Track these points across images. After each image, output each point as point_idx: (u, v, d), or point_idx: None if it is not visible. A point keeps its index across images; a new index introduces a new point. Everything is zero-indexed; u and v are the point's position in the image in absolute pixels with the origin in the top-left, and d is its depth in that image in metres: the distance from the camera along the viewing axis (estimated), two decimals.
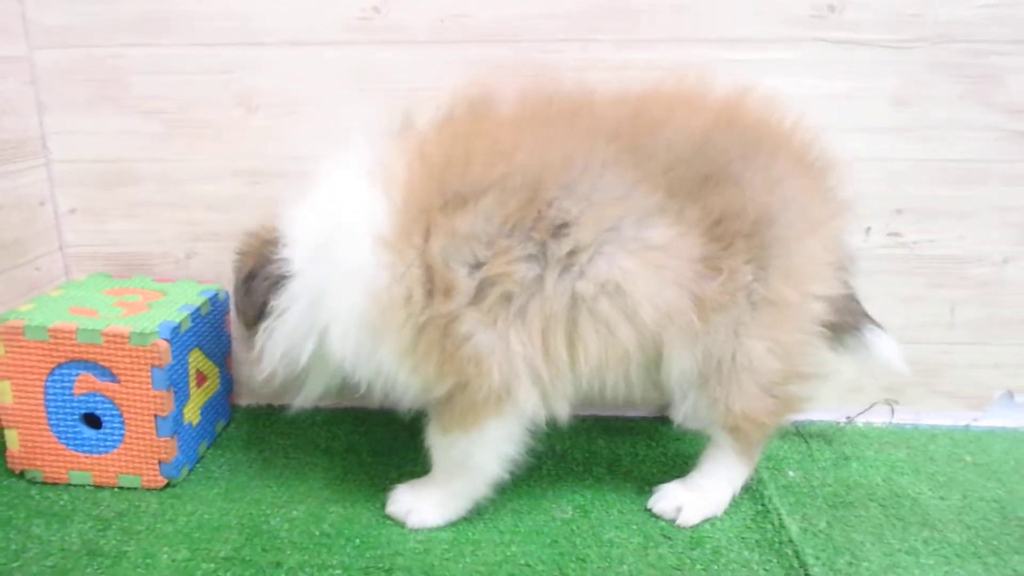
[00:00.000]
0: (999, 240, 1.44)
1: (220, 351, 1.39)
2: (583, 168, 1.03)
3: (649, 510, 1.20)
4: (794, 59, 1.34)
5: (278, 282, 1.08)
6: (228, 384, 1.44)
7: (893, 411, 1.52)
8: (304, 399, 1.19)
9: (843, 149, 1.18)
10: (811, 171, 1.12)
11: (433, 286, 1.01)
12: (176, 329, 1.20)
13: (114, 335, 1.17)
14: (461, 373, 1.03)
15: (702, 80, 1.16)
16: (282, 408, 1.53)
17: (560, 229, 1.02)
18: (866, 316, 1.25)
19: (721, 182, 1.06)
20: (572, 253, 1.02)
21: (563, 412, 1.11)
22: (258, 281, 1.10)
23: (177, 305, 1.27)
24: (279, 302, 1.08)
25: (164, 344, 1.18)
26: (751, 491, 1.25)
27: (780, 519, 1.18)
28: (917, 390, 1.51)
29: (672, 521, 1.18)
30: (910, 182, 1.40)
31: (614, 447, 1.40)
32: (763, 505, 1.22)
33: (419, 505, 1.16)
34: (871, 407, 1.51)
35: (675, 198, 1.04)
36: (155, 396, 1.19)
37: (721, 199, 1.05)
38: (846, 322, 1.20)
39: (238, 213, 1.42)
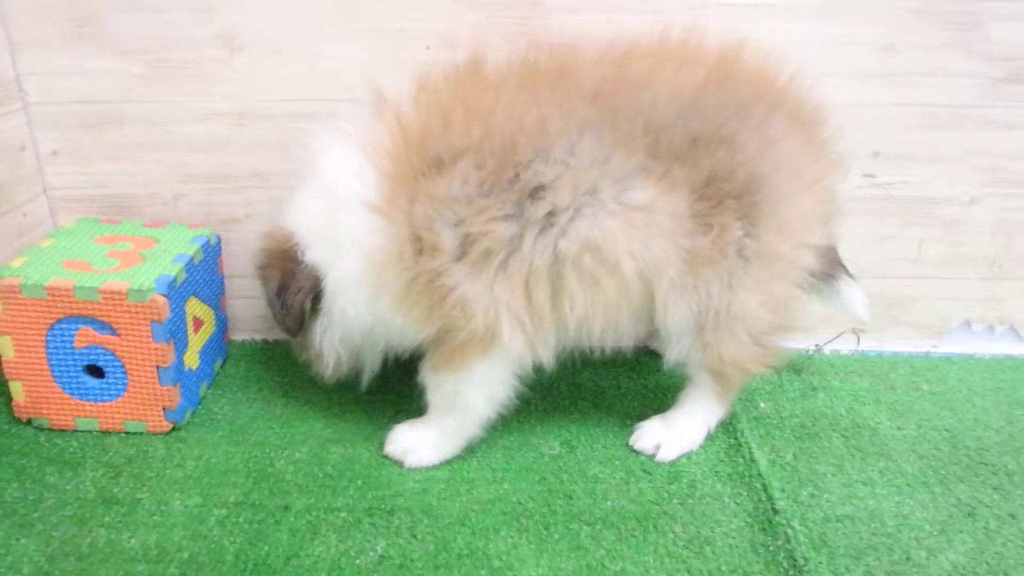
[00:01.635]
0: (969, 182, 1.49)
1: (215, 294, 1.42)
2: (560, 131, 1.05)
3: (631, 446, 1.29)
4: (783, 4, 1.34)
5: (314, 286, 1.14)
6: (223, 323, 1.48)
7: (859, 339, 1.61)
8: (368, 375, 1.30)
9: (828, 93, 1.20)
10: (806, 128, 1.14)
11: (421, 245, 1.06)
12: (172, 283, 1.23)
13: (112, 292, 1.19)
14: (447, 318, 1.09)
15: (692, 32, 1.16)
16: (276, 343, 1.58)
17: (536, 192, 1.05)
18: (841, 265, 1.31)
19: (712, 144, 1.08)
20: (550, 215, 1.06)
21: (547, 358, 1.17)
22: (291, 294, 1.16)
23: (171, 255, 1.29)
24: (322, 303, 1.15)
25: (162, 299, 1.20)
26: (725, 425, 1.34)
27: (751, 452, 1.28)
28: (882, 320, 1.60)
29: (652, 457, 1.27)
30: (889, 126, 1.43)
31: (598, 380, 1.48)
32: (735, 439, 1.32)
33: (416, 445, 1.24)
34: (838, 336, 1.60)
35: (659, 159, 1.07)
36: (156, 348, 1.22)
37: (711, 161, 1.08)
38: (823, 270, 1.26)
39: (224, 155, 1.42)
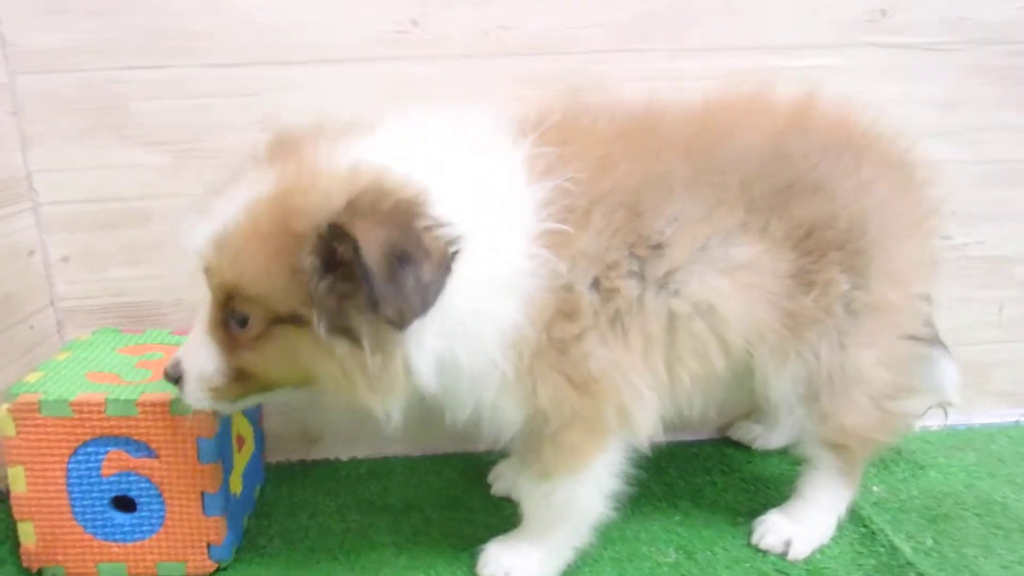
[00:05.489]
0: None
1: (255, 407, 1.24)
2: (669, 188, 0.97)
3: (753, 545, 1.13)
4: (846, 64, 1.32)
5: (448, 263, 0.81)
6: (262, 442, 1.29)
7: (947, 413, 1.50)
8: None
9: None
10: (900, 170, 1.08)
11: (557, 307, 0.90)
12: None
13: (152, 404, 1.01)
14: (581, 396, 0.93)
15: (765, 87, 1.10)
16: (315, 463, 1.38)
17: (656, 249, 0.95)
18: (936, 336, 1.22)
19: (806, 190, 1.00)
20: (668, 273, 0.96)
21: (657, 435, 1.02)
22: (421, 265, 0.79)
23: None
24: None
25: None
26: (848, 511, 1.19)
27: (889, 540, 1.13)
28: (967, 391, 1.49)
29: (782, 555, 1.11)
30: (958, 184, 1.38)
31: (689, 477, 1.32)
32: (865, 526, 1.17)
33: (518, 565, 1.05)
34: (926, 412, 1.49)
35: (756, 212, 0.99)
36: (202, 471, 1.03)
37: (808, 209, 1.00)
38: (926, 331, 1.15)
39: None
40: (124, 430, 1.01)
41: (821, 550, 1.12)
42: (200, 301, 0.92)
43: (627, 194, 0.94)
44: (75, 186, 1.22)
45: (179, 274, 1.27)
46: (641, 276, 0.95)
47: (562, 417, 0.94)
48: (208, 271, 0.89)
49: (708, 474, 1.34)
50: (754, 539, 1.14)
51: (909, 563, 1.08)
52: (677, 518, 1.21)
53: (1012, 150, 1.39)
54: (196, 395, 0.92)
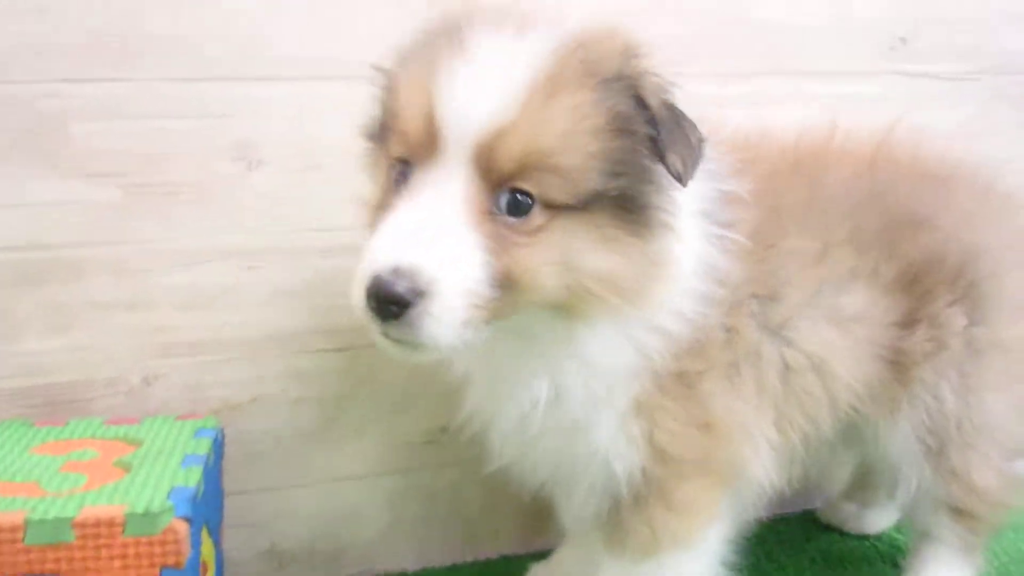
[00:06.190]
0: None
1: (217, 520, 0.94)
2: (781, 224, 0.86)
3: None
4: (872, 92, 1.25)
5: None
6: (221, 567, 0.98)
7: None
8: None
9: None
10: (995, 197, 1.00)
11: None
12: (194, 498, 0.76)
13: (96, 524, 0.71)
14: (705, 437, 0.82)
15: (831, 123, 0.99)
16: None
17: (773, 292, 0.85)
18: None
19: (909, 225, 0.91)
20: (785, 319, 0.86)
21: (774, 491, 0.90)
22: (697, 127, 0.72)
23: (174, 457, 0.83)
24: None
25: (183, 527, 0.73)
26: None
27: None
28: None
29: None
30: None
31: (755, 562, 1.11)
32: None
33: None
34: None
35: (866, 254, 0.90)
36: None
37: (916, 245, 0.91)
38: None
39: (225, 312, 1.02)
40: (50, 566, 0.71)
41: None
42: (428, 181, 0.68)
43: (758, 222, 0.82)
44: None
45: (117, 344, 0.99)
46: (761, 320, 0.84)
47: (682, 461, 0.81)
48: (504, 136, 0.66)
49: (770, 556, 1.16)
50: None
51: None
52: None
53: None
54: (459, 318, 0.64)
